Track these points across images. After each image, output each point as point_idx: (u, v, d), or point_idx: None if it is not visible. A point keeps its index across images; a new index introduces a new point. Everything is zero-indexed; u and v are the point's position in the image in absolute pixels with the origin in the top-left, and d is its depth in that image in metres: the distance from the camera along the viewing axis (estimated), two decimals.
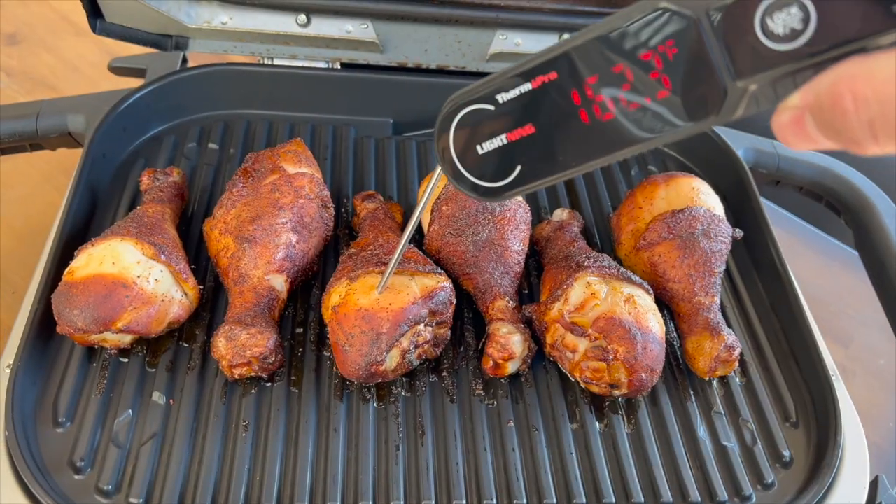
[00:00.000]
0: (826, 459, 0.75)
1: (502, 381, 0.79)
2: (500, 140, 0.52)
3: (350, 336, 0.72)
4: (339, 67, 1.07)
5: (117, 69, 1.11)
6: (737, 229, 0.89)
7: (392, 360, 0.74)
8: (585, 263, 0.80)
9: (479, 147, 0.53)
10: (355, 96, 1.06)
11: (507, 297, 0.80)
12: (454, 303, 0.78)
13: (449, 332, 0.80)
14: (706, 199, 0.89)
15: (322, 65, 1.06)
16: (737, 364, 0.81)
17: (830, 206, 1.12)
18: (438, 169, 0.57)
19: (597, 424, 0.77)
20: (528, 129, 0.50)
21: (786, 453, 0.77)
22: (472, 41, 1.08)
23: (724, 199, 1.05)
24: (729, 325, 0.88)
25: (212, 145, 0.99)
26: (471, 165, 0.54)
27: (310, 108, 1.06)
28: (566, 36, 1.07)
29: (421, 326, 0.75)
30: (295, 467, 0.69)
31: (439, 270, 0.78)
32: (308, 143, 1.01)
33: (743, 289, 0.93)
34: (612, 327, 0.74)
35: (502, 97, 0.50)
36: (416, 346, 0.75)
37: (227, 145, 0.99)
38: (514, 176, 0.52)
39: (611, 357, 0.74)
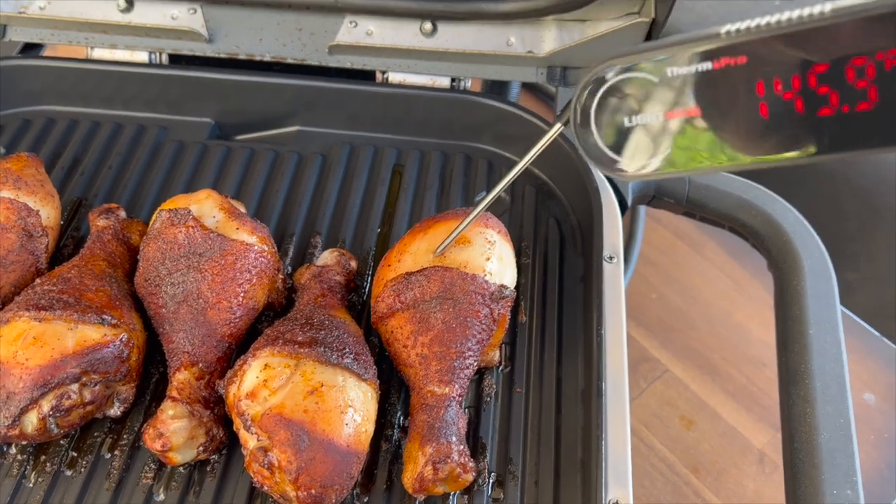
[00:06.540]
0: None
1: (182, 469, 0.65)
2: (655, 116, 0.47)
3: None
4: (164, 61, 0.94)
5: None
6: (507, 288, 0.67)
7: (29, 424, 0.62)
8: (287, 336, 0.63)
9: (626, 119, 0.48)
10: (172, 93, 0.92)
11: (196, 367, 0.65)
12: (130, 360, 0.65)
13: (133, 392, 0.67)
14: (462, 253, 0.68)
15: (145, 57, 0.94)
16: (470, 478, 0.62)
17: (757, 247, 0.87)
18: (557, 125, 0.54)
19: None
20: (692, 112, 0.46)
21: None
22: (316, 29, 0.91)
23: (582, 237, 0.83)
24: (507, 424, 0.68)
25: None
26: (610, 138, 0.49)
27: (123, 105, 0.94)
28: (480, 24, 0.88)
29: (73, 387, 0.63)
30: None
31: (112, 320, 0.65)
32: (102, 147, 0.89)
33: (553, 370, 0.72)
34: (276, 427, 0.58)
35: (672, 71, 0.45)
36: (63, 411, 0.63)
37: (15, 147, 0.89)
38: (659, 160, 0.48)
39: (270, 464, 0.58)
